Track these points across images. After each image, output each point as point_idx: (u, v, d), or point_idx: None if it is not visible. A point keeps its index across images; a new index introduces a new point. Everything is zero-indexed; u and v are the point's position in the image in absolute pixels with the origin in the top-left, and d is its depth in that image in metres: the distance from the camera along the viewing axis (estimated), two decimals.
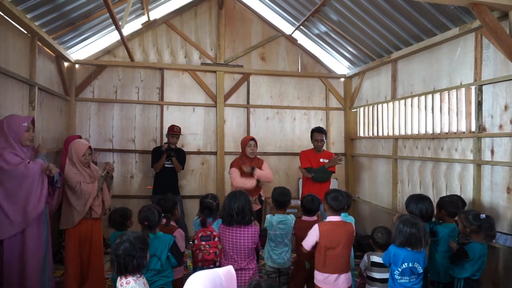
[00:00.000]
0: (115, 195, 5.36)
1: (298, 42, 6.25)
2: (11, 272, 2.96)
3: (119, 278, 2.17)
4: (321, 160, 4.74)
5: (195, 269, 3.21)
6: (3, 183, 2.93)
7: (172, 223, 3.16)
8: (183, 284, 3.00)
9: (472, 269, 2.82)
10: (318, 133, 4.77)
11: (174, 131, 5.10)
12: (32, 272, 3.06)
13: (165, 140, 5.66)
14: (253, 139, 4.60)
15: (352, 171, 6.22)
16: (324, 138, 4.78)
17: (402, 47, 4.72)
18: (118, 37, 5.25)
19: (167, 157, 4.96)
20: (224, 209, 2.80)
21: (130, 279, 2.13)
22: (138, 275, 2.19)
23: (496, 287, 3.37)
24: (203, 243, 3.05)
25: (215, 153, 5.88)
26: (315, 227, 2.97)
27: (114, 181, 5.44)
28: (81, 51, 5.41)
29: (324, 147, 4.99)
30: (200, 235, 3.13)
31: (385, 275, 2.95)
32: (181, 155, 5.13)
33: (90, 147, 3.60)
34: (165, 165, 5.00)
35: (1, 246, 2.98)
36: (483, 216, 2.83)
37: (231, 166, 4.66)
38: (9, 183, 2.95)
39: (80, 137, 4.62)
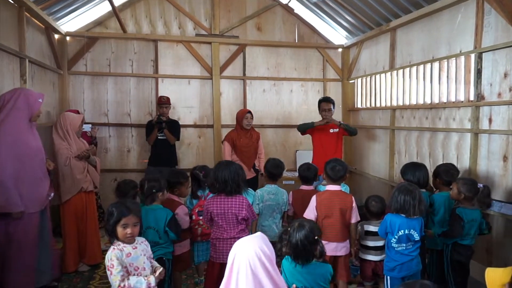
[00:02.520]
0: (112, 169, 5.40)
1: (295, 11, 6.08)
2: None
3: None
4: (331, 130, 4.71)
5: (196, 244, 3.21)
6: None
7: (177, 198, 3.09)
8: (189, 257, 2.98)
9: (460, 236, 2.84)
10: (325, 102, 4.74)
11: (162, 101, 5.03)
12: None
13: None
14: (249, 112, 4.77)
15: (350, 142, 6.21)
16: (331, 108, 4.72)
17: (401, 15, 4.60)
18: (109, 8, 5.11)
19: (159, 129, 4.94)
20: (211, 178, 2.74)
21: (112, 247, 2.19)
22: (120, 243, 2.20)
23: (490, 254, 3.43)
24: (201, 217, 3.06)
25: (211, 126, 5.84)
26: (313, 198, 2.99)
27: (111, 155, 5.52)
28: (71, 22, 5.25)
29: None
30: (197, 210, 3.13)
31: (379, 243, 3.00)
32: (173, 126, 5.07)
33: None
34: (159, 137, 4.96)
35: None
36: (480, 185, 2.85)
37: (224, 139, 4.79)
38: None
39: (78, 112, 4.60)
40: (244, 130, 4.70)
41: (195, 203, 3.22)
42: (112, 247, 2.19)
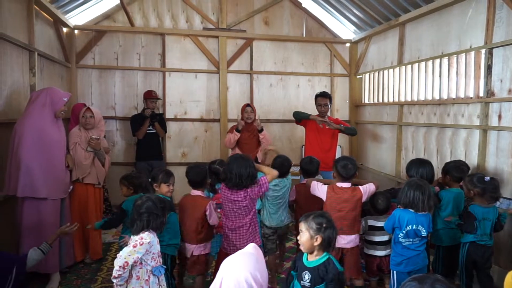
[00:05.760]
0: (120, 162, 5.42)
1: (303, 5, 6.03)
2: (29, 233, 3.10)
3: (134, 235, 2.24)
4: (327, 126, 4.69)
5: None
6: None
7: (201, 193, 3.04)
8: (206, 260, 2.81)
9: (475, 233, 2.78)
10: (321, 97, 4.68)
11: (153, 96, 5.10)
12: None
13: (170, 107, 5.65)
14: (249, 105, 4.91)
15: (356, 138, 6.17)
16: (328, 103, 4.66)
17: (411, 10, 4.54)
18: (117, 1, 5.11)
19: (152, 123, 4.98)
20: (225, 172, 2.78)
21: (148, 233, 2.22)
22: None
23: (498, 252, 3.41)
24: (219, 210, 3.07)
25: (218, 121, 5.85)
26: (325, 188, 3.00)
27: (118, 148, 5.54)
28: (80, 16, 5.27)
29: (329, 114, 4.93)
30: (215, 203, 3.14)
31: (382, 238, 3.01)
32: (162, 120, 5.24)
33: (88, 108, 3.77)
34: (147, 131, 5.01)
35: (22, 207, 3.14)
36: (487, 178, 2.81)
37: (228, 131, 4.99)
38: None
39: (85, 105, 4.62)
40: (246, 123, 4.78)
41: (211, 197, 3.25)
42: (144, 234, 2.21)
